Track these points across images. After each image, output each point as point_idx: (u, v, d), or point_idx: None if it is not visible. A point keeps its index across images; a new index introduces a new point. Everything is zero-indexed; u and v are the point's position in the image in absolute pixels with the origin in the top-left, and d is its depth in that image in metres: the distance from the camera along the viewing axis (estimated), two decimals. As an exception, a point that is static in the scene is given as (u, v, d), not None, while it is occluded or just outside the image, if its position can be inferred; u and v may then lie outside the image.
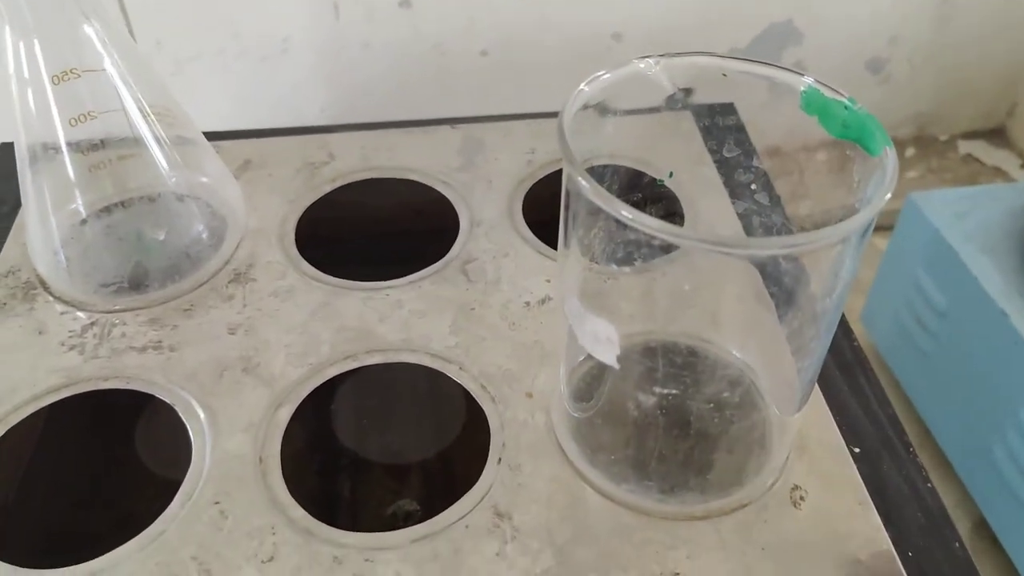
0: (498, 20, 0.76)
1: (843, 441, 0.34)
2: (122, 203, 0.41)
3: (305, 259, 0.41)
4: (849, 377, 0.39)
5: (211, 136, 0.43)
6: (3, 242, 0.42)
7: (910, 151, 0.92)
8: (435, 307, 0.39)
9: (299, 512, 0.32)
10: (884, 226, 0.78)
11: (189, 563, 0.30)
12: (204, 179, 0.42)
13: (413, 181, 0.46)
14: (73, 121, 0.38)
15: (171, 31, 0.73)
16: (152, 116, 0.39)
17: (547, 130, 0.49)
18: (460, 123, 0.50)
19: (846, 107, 0.28)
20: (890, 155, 0.26)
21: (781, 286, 0.31)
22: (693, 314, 0.37)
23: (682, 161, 0.38)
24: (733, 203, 0.37)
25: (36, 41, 0.35)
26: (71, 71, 0.37)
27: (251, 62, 0.76)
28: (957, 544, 0.32)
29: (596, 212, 0.27)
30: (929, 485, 0.35)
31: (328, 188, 0.45)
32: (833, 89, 0.28)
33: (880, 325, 0.72)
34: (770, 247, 0.25)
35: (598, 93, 0.29)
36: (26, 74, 0.36)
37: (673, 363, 0.36)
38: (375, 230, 0.45)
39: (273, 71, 0.76)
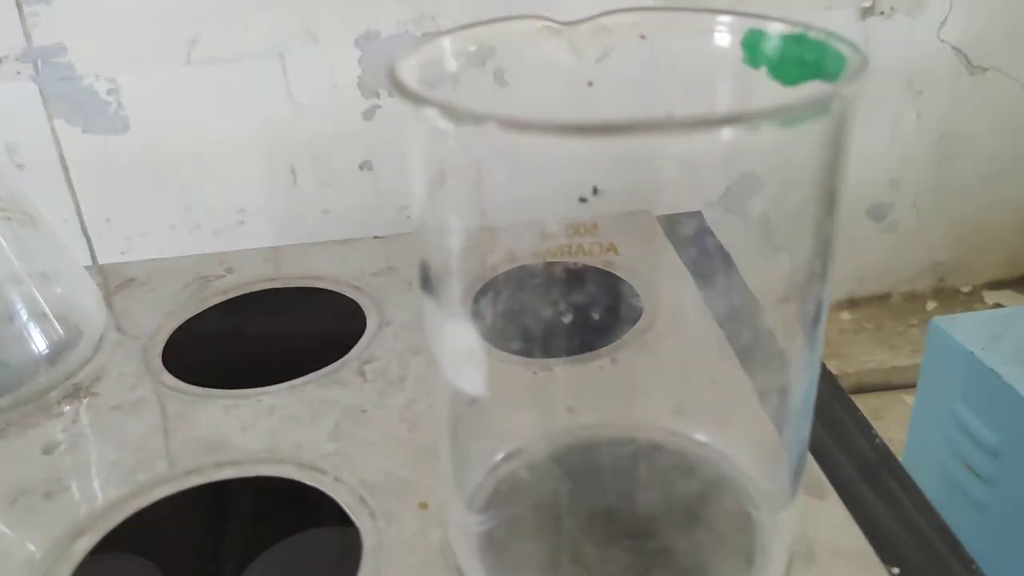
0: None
1: (871, 548, 0.24)
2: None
3: (169, 371, 0.33)
4: (873, 481, 0.29)
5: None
6: None
7: (931, 305, 0.84)
8: (315, 411, 0.30)
9: (60, 675, 0.21)
10: (910, 383, 0.69)
11: None
12: (57, 289, 0.34)
13: (318, 289, 0.38)
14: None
15: (120, 208, 0.69)
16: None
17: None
18: (389, 237, 0.43)
19: (799, 39, 0.20)
20: (854, 51, 0.18)
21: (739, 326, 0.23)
22: (646, 401, 0.28)
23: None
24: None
25: None
26: None
27: (204, 236, 0.71)
28: None
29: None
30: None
31: (217, 300, 0.38)
32: (777, 20, 0.21)
33: (925, 483, 0.60)
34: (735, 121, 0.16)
35: (465, 54, 0.22)
36: None
37: (618, 458, 0.26)
38: (264, 338, 0.37)
39: (228, 244, 0.71)
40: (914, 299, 0.84)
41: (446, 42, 0.21)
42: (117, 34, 0.63)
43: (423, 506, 0.26)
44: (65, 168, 0.67)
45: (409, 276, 0.38)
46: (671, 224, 0.29)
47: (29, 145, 0.65)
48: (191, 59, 0.64)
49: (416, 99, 0.16)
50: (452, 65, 0.21)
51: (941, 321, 0.56)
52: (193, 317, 0.37)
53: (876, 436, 0.31)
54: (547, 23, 0.23)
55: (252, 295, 0.38)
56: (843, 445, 0.30)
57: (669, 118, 0.14)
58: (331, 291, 0.38)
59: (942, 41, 0.71)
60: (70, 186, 0.68)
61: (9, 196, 0.33)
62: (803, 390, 0.22)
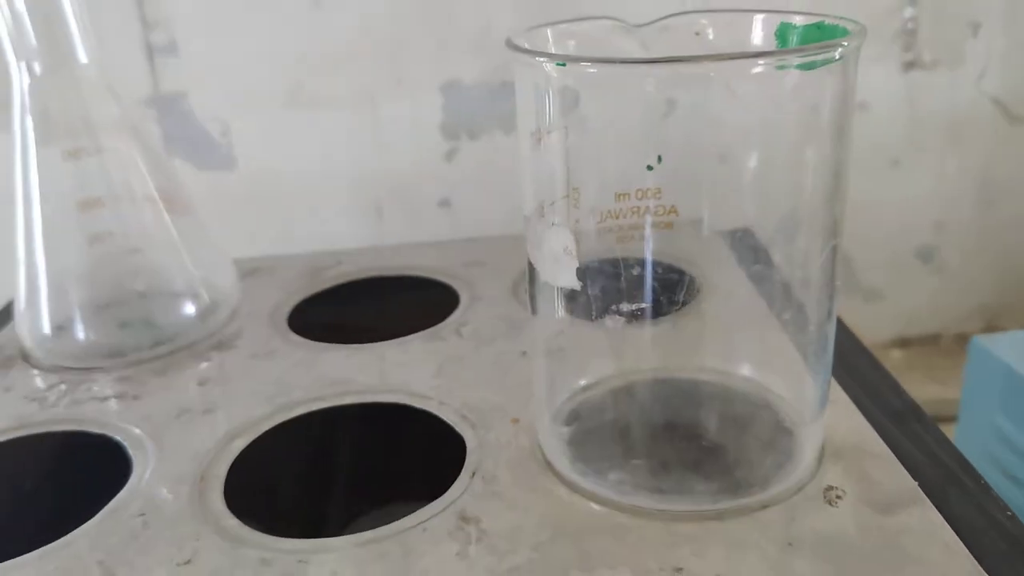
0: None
1: (887, 447, 0.29)
2: (118, 289, 0.40)
3: (295, 333, 0.39)
4: (901, 424, 0.33)
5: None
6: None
7: (981, 346, 0.86)
8: (421, 359, 0.36)
9: (232, 522, 0.27)
10: (946, 416, 0.71)
11: (94, 568, 0.25)
12: (201, 270, 0.41)
13: (417, 276, 0.44)
14: (80, 206, 0.38)
15: (225, 237, 0.77)
16: (161, 202, 0.39)
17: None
18: (482, 239, 0.49)
19: (819, 27, 0.26)
20: (857, 24, 0.24)
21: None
22: (699, 352, 0.33)
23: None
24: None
25: (49, 111, 0.36)
26: (80, 149, 0.38)
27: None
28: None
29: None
30: (1009, 513, 0.28)
31: (329, 284, 0.44)
32: (801, 12, 0.27)
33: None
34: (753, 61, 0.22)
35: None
36: (33, 149, 0.36)
37: (678, 388, 0.31)
38: (372, 312, 0.43)
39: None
40: (964, 340, 0.87)
41: (548, 32, 0.27)
42: (231, 83, 0.71)
43: (515, 421, 0.31)
44: (179, 201, 0.75)
45: (497, 267, 0.44)
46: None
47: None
48: (293, 103, 0.72)
49: (531, 53, 0.23)
50: (551, 50, 0.27)
51: (981, 338, 0.60)
52: (311, 296, 0.43)
53: (905, 393, 0.35)
54: (620, 23, 0.29)
55: (360, 281, 0.44)
56: (875, 398, 0.35)
57: (719, 53, 0.20)
58: (429, 279, 0.44)
59: (982, 92, 0.76)
60: (181, 218, 0.76)
61: (172, 188, 0.40)
62: (820, 320, 0.27)
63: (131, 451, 0.31)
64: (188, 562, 0.25)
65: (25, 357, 0.38)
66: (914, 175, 0.79)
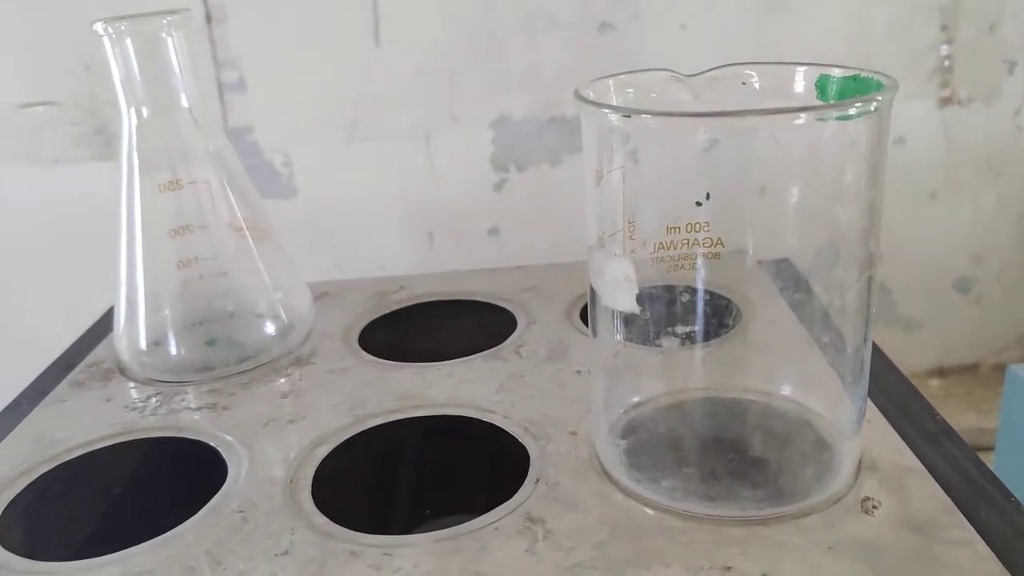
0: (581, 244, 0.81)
1: (920, 463, 0.31)
2: (205, 309, 0.43)
3: (365, 351, 0.43)
4: (934, 443, 0.35)
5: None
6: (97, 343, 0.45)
7: (1020, 376, 0.87)
8: (484, 376, 0.39)
9: (321, 519, 0.30)
10: (985, 446, 0.72)
11: (202, 557, 0.28)
12: (280, 292, 0.44)
13: (475, 301, 0.47)
14: (173, 233, 0.42)
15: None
16: (246, 230, 0.43)
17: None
18: (530, 267, 0.52)
19: (855, 79, 0.29)
20: (891, 79, 0.26)
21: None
22: (741, 373, 0.35)
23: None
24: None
25: (153, 147, 0.40)
26: (177, 181, 0.41)
27: (352, 289, 0.82)
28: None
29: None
30: (1036, 523, 0.30)
31: (395, 307, 0.47)
32: (839, 66, 0.30)
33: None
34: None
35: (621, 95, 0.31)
36: (137, 182, 0.40)
37: (726, 408, 0.34)
38: (435, 332, 0.47)
39: (371, 297, 0.82)
40: (1002, 370, 0.88)
41: (610, 82, 0.30)
42: (294, 118, 0.76)
43: (573, 434, 0.34)
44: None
45: (549, 293, 0.47)
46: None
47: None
48: (352, 137, 0.76)
49: (597, 104, 0.26)
50: (612, 99, 0.31)
51: (1018, 367, 0.61)
52: (378, 317, 0.46)
53: (937, 414, 0.38)
54: (673, 74, 0.32)
55: (423, 304, 0.48)
56: (911, 420, 0.37)
57: (766, 108, 0.23)
58: (487, 303, 0.47)
59: (1019, 127, 0.78)
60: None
61: (253, 215, 0.44)
62: (857, 344, 0.29)
63: (226, 455, 0.34)
64: (286, 553, 0.28)
65: (122, 371, 0.42)
66: (952, 208, 0.81)
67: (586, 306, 0.43)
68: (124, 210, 0.40)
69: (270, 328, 0.42)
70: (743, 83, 0.32)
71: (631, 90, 0.31)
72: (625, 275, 0.27)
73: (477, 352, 0.42)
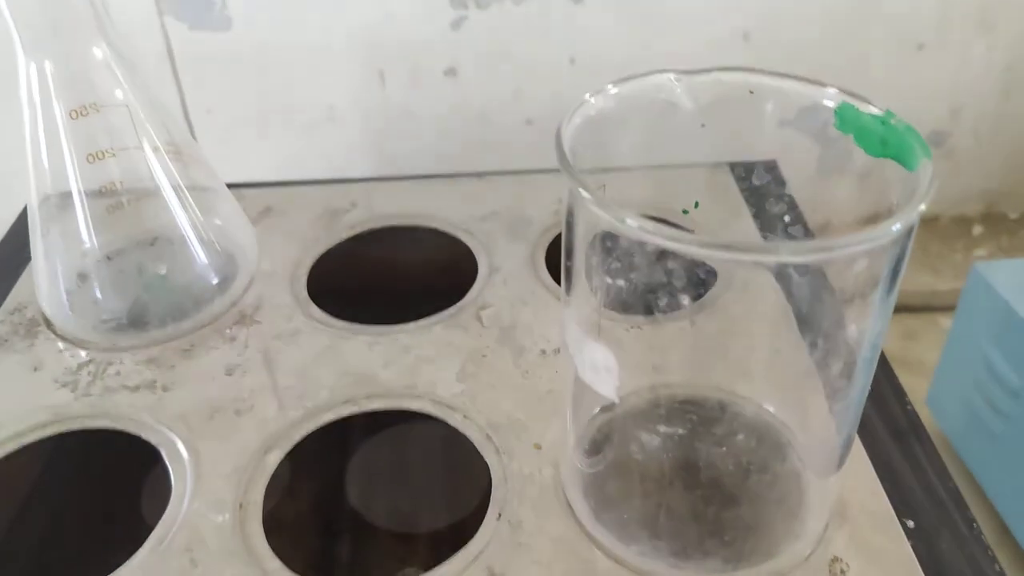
0: (544, 91, 0.75)
1: (893, 510, 0.30)
2: (130, 243, 0.39)
3: (315, 303, 0.40)
4: (902, 445, 0.35)
5: (235, 185, 0.42)
6: (15, 281, 0.41)
7: (978, 229, 0.87)
8: (444, 353, 0.36)
9: (275, 564, 0.29)
10: (948, 306, 0.73)
11: None
12: (217, 221, 0.40)
13: (434, 229, 0.44)
14: (90, 158, 0.37)
15: (221, 100, 0.74)
16: (167, 156, 0.38)
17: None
18: (488, 175, 0.48)
19: (883, 121, 0.25)
20: (927, 166, 0.23)
21: (814, 326, 0.28)
22: (721, 365, 0.34)
23: (705, 190, 0.36)
24: (765, 236, 0.34)
25: (51, 70, 0.34)
26: (89, 105, 0.36)
27: (296, 129, 0.76)
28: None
29: (602, 241, 0.25)
30: (997, 567, 0.30)
31: (346, 235, 0.44)
32: (868, 102, 0.26)
33: (948, 410, 0.67)
34: (795, 252, 0.22)
35: (608, 106, 0.27)
36: (39, 107, 0.35)
37: (697, 416, 0.32)
38: (390, 276, 0.44)
39: (318, 138, 0.77)
40: (962, 222, 0.87)
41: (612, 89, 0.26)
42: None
43: (537, 447, 0.32)
44: (172, 61, 0.72)
45: (508, 221, 0.44)
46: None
47: (139, 38, 0.70)
48: (294, -35, 0.67)
49: (577, 180, 0.22)
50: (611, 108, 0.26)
51: (982, 267, 0.60)
52: (327, 251, 0.43)
53: (909, 404, 0.37)
54: (673, 73, 0.28)
55: (376, 231, 0.44)
56: (879, 409, 0.36)
57: (771, 243, 0.19)
58: (444, 232, 0.44)
59: (1023, -23, 0.72)
60: (176, 78, 0.73)
61: (181, 140, 0.39)
62: (858, 393, 0.27)
63: (169, 462, 0.32)
64: (239, 612, 0.27)
65: (47, 324, 0.38)
66: (937, 60, 0.76)
67: (551, 247, 0.41)
68: (28, 140, 0.35)
69: (211, 275, 0.39)
70: (751, 91, 0.28)
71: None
72: (606, 365, 0.25)
73: (435, 295, 0.39)
